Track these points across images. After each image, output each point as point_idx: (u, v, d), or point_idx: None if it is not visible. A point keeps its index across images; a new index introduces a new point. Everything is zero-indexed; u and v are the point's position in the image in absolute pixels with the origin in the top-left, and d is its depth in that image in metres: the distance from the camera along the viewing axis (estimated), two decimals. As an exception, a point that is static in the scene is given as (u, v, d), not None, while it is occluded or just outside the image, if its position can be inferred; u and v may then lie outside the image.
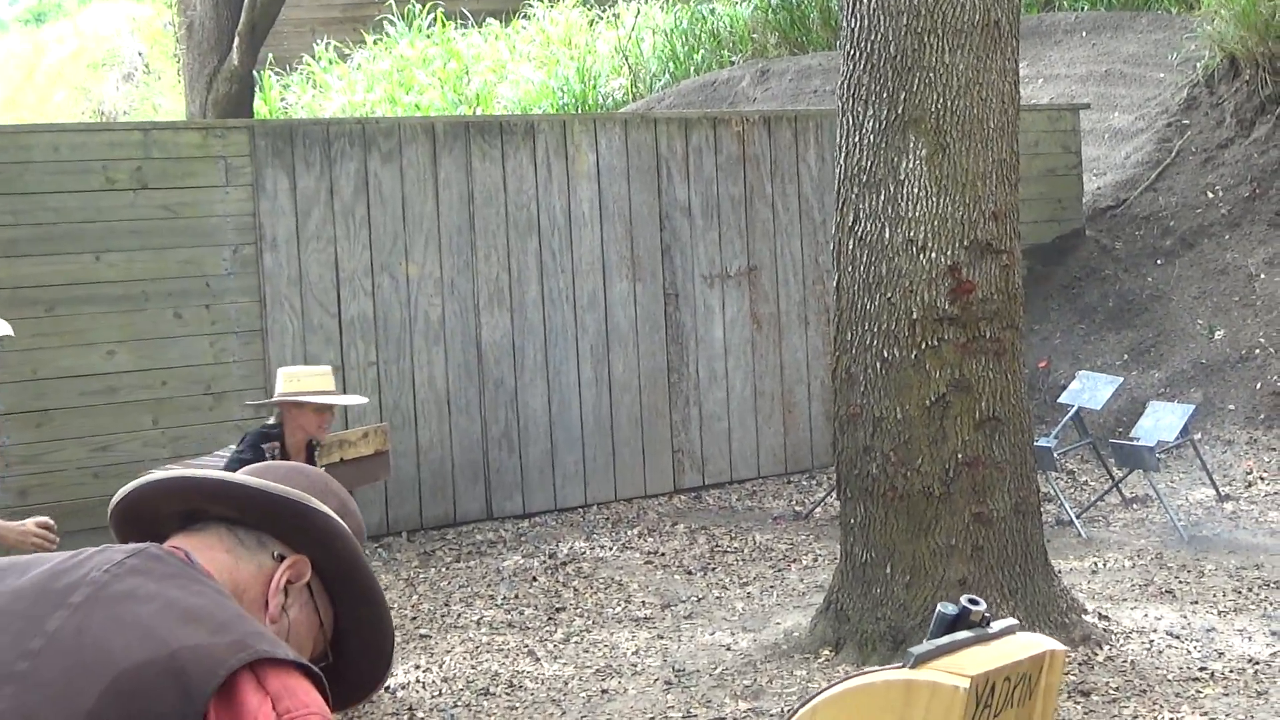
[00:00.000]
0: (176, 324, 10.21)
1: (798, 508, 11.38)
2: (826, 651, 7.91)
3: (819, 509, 11.18)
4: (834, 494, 9.48)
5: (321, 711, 2.16)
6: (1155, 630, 8.20)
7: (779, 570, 9.84)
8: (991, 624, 3.39)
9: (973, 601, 3.38)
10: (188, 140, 10.40)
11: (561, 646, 8.47)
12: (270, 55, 22.27)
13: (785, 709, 7.15)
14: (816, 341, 12.33)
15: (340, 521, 2.37)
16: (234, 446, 7.59)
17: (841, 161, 8.01)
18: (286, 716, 2.12)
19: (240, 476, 2.37)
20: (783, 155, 12.40)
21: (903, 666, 3.16)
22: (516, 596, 9.46)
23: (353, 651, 2.44)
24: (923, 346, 7.73)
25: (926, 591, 7.63)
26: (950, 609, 3.36)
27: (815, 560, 9.93)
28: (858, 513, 7.95)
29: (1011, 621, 3.49)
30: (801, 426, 12.43)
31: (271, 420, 7.25)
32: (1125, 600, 8.79)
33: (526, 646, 8.45)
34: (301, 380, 7.02)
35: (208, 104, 15.86)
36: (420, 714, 7.44)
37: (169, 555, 2.27)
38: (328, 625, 2.41)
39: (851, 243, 7.93)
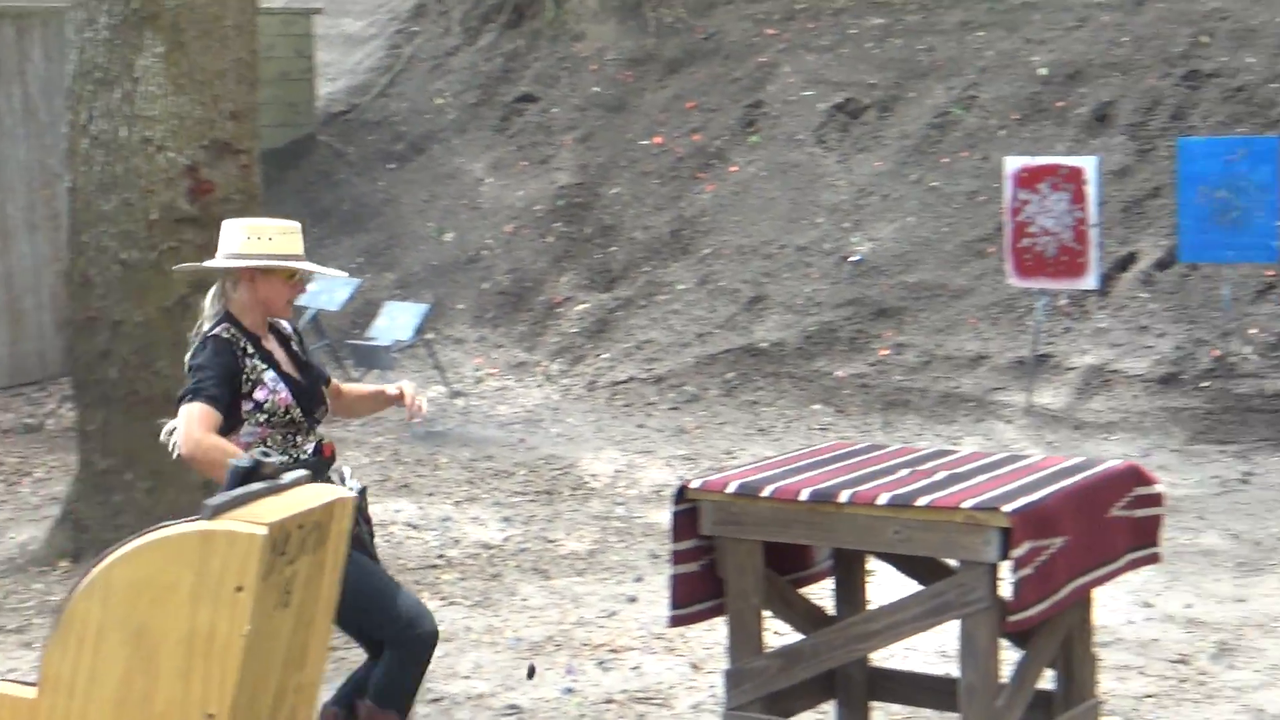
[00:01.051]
0: None
1: (28, 420, 10.99)
2: (64, 563, 7.73)
3: (51, 420, 10.84)
4: (68, 404, 9.23)
5: None
6: (395, 522, 8.48)
7: (10, 485, 9.49)
8: (284, 476, 3.46)
9: (265, 454, 3.42)
10: None
11: None
12: None
13: (25, 623, 6.95)
14: (45, 248, 11.90)
15: None
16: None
17: (75, 58, 7.75)
18: None
19: None
20: (6, 54, 11.84)
21: (199, 519, 3.17)
22: None
23: None
24: (162, 248, 7.61)
25: (170, 496, 7.54)
26: (244, 462, 3.41)
27: (49, 472, 9.65)
28: (96, 419, 7.77)
29: (302, 473, 3.56)
30: (31, 336, 11.99)
31: (209, 310, 4.75)
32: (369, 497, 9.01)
33: None
34: (273, 239, 4.62)
35: None
36: None
37: None
38: None
39: (86, 143, 7.70)
